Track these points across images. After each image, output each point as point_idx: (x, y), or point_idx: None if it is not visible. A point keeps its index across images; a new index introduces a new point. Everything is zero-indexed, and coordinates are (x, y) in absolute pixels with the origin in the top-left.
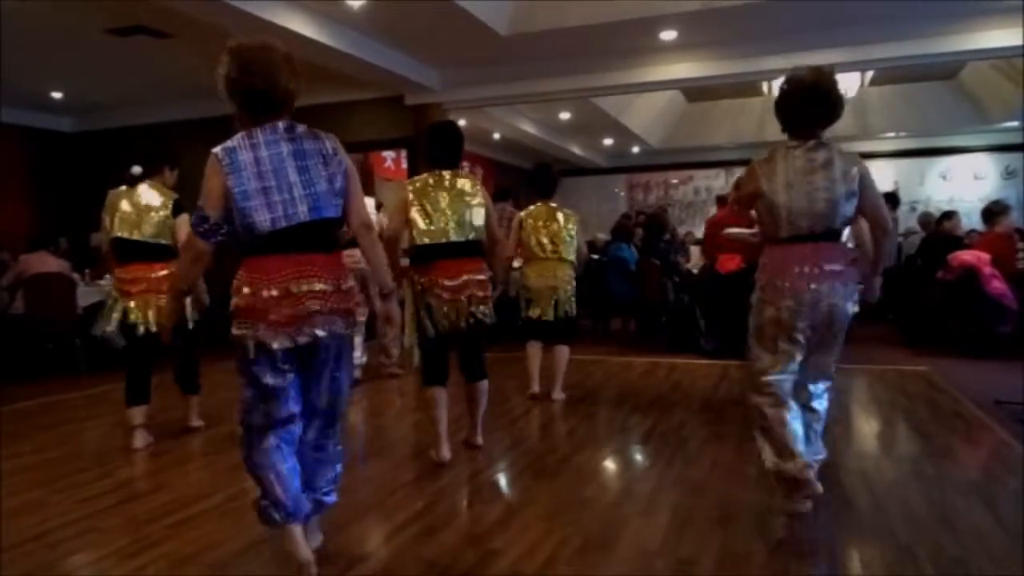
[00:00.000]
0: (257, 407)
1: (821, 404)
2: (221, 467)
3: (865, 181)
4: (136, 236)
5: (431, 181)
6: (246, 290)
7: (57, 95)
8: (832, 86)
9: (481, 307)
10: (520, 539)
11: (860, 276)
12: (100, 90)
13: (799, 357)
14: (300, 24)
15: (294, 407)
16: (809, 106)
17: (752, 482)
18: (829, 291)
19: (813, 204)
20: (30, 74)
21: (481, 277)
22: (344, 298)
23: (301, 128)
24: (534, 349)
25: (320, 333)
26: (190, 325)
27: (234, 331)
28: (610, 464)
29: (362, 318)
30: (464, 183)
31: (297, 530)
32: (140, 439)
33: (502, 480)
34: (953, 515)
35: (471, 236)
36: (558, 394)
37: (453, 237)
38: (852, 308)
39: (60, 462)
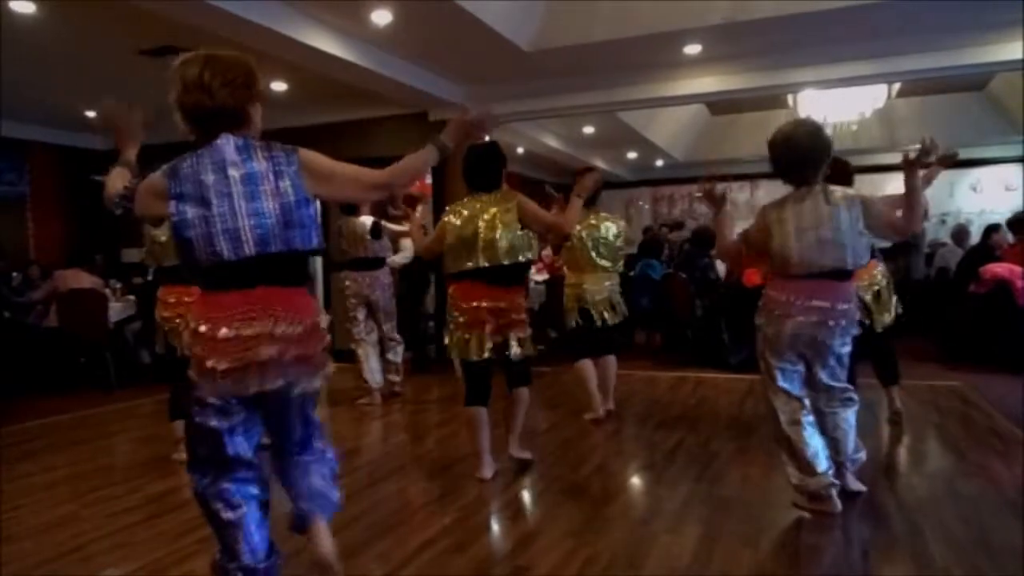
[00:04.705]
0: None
1: (841, 409)
2: None
3: (867, 208)
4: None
5: (467, 208)
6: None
7: (91, 114)
8: (811, 133)
9: (514, 337)
10: (547, 556)
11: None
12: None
13: (797, 379)
14: (327, 43)
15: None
16: (790, 155)
17: (782, 499)
18: (813, 327)
19: (823, 250)
20: (66, 95)
21: (516, 311)
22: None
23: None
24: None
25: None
26: None
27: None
28: (637, 480)
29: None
30: (501, 203)
31: None
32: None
33: (528, 496)
34: (990, 535)
35: (506, 262)
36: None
37: (482, 262)
38: (844, 348)
39: (92, 476)
